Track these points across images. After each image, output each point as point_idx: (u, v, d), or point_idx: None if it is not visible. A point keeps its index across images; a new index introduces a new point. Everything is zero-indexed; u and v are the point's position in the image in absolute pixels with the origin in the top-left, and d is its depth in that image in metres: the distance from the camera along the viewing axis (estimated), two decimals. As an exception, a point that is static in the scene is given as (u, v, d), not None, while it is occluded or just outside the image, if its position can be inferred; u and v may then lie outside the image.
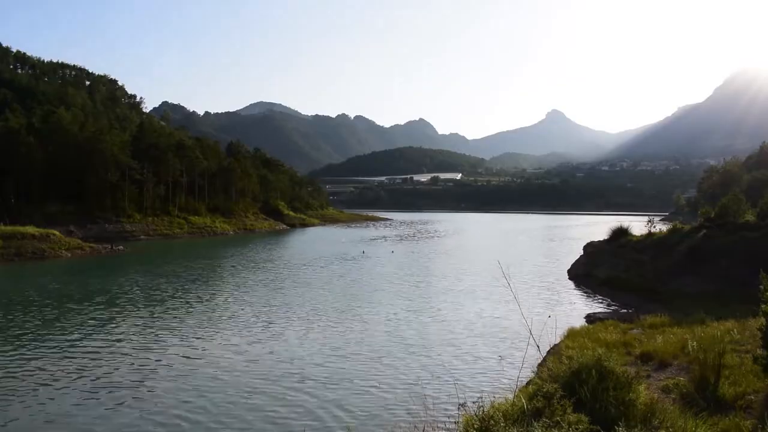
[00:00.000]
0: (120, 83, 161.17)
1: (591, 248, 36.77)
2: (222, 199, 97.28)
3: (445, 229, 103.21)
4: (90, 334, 20.75)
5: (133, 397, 13.96)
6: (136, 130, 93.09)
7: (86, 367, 16.51)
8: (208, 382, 15.11)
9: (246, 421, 12.49)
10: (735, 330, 12.59)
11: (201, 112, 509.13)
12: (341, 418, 12.50)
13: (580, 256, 37.70)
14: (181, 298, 29.16)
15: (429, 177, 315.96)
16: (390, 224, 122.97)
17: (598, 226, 67.12)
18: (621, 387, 6.25)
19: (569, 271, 36.82)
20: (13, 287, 33.73)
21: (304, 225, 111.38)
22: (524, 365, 11.80)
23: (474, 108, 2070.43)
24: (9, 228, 49.80)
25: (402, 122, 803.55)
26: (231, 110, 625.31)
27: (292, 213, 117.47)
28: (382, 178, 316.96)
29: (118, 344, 19.26)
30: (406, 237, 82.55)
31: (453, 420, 7.63)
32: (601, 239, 36.65)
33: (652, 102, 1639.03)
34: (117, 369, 16.31)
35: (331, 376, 15.55)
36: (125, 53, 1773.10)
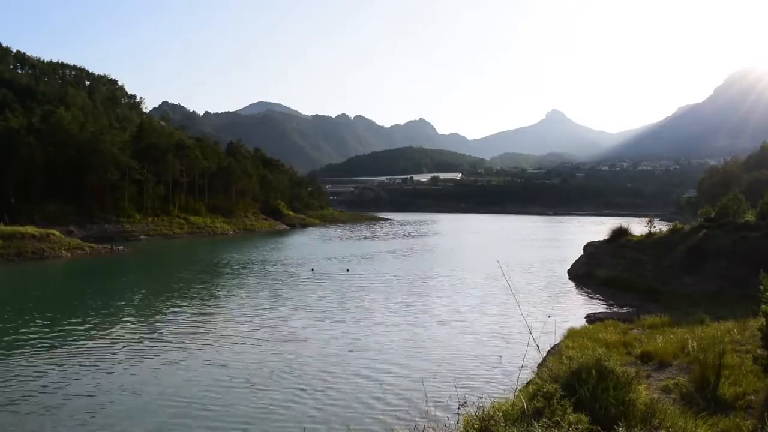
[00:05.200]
0: (120, 83, 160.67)
1: (591, 248, 36.75)
2: (222, 199, 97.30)
3: (446, 229, 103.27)
4: (89, 333, 20.77)
5: (134, 399, 13.96)
6: (136, 130, 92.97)
7: (88, 365, 16.52)
8: (207, 382, 15.11)
9: (245, 421, 12.50)
10: (735, 330, 12.59)
11: (201, 112, 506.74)
12: (341, 418, 12.50)
13: (580, 256, 37.68)
14: (181, 297, 29.16)
15: (429, 177, 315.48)
16: (391, 224, 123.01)
17: (598, 226, 67.12)
18: (621, 387, 6.24)
19: (569, 271, 36.83)
20: (14, 287, 33.75)
21: (304, 225, 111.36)
22: (524, 365, 11.78)
23: (474, 108, 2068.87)
24: (9, 228, 49.78)
25: (402, 122, 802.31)
26: (231, 110, 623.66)
27: (292, 213, 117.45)
28: (382, 178, 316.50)
29: (118, 343, 19.31)
30: (407, 235, 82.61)
31: (453, 420, 7.62)
32: (601, 239, 36.64)
33: (652, 102, 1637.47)
34: (118, 368, 16.33)
35: (330, 376, 15.55)
36: (125, 53, 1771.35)
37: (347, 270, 39.82)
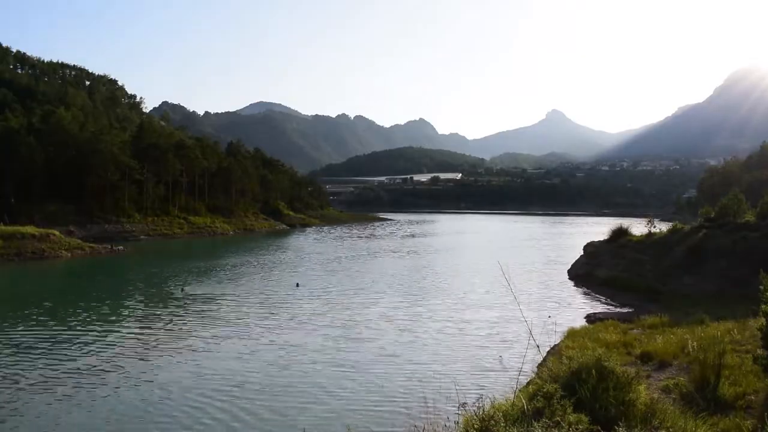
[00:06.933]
0: (120, 83, 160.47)
1: (591, 248, 36.77)
2: (222, 199, 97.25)
3: (445, 229, 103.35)
4: (89, 334, 20.78)
5: (132, 403, 13.97)
6: (136, 130, 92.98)
7: (87, 365, 16.52)
8: (205, 382, 15.12)
9: (245, 421, 12.50)
10: (735, 330, 12.60)
11: (201, 112, 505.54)
12: (341, 419, 12.50)
13: (580, 256, 37.70)
14: (180, 297, 29.13)
15: (429, 177, 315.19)
16: (391, 224, 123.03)
17: (598, 226, 67.15)
18: (621, 387, 6.24)
19: (569, 272, 36.83)
20: (14, 287, 33.75)
21: (304, 225, 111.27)
22: (524, 365, 11.79)
23: (474, 108, 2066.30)
24: (9, 228, 49.73)
25: (402, 122, 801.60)
26: (231, 110, 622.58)
27: (292, 213, 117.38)
28: (382, 178, 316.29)
29: (117, 345, 19.32)
30: (407, 235, 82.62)
31: (453, 420, 7.62)
32: (601, 239, 36.65)
33: (652, 102, 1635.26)
34: (117, 369, 16.34)
35: (331, 377, 15.56)
36: (125, 53, 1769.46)
37: (297, 284, 32.73)
